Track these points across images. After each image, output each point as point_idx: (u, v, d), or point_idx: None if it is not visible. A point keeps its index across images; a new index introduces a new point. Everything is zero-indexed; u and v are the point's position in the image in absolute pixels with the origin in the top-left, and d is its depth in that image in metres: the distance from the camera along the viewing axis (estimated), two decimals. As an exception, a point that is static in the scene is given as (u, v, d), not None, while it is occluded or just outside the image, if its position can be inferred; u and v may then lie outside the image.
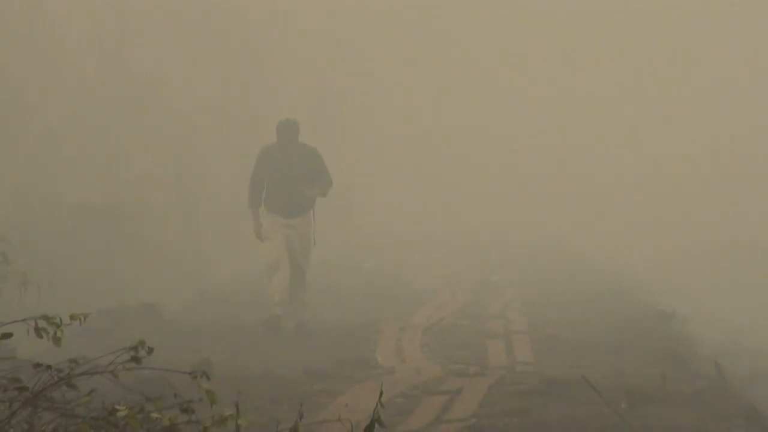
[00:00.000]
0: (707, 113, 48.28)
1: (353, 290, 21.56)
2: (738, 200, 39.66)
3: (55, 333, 5.30)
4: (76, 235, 19.79)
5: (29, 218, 19.64)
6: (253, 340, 15.26)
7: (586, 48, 52.51)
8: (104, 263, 19.54)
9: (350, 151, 35.20)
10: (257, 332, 15.67)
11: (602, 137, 48.78)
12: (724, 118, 47.69)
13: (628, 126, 49.08)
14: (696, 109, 48.99)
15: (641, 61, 51.15)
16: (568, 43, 52.78)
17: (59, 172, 22.31)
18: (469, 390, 11.25)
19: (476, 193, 43.51)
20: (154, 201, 23.67)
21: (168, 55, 27.28)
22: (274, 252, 15.70)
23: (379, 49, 43.03)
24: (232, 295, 19.92)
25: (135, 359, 5.40)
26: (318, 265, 22.68)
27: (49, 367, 5.34)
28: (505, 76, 50.64)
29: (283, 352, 14.52)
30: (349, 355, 14.07)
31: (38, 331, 5.34)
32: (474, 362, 13.83)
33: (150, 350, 5.46)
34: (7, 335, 5.34)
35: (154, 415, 5.34)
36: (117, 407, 5.31)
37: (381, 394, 5.94)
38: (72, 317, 5.49)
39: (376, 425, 5.39)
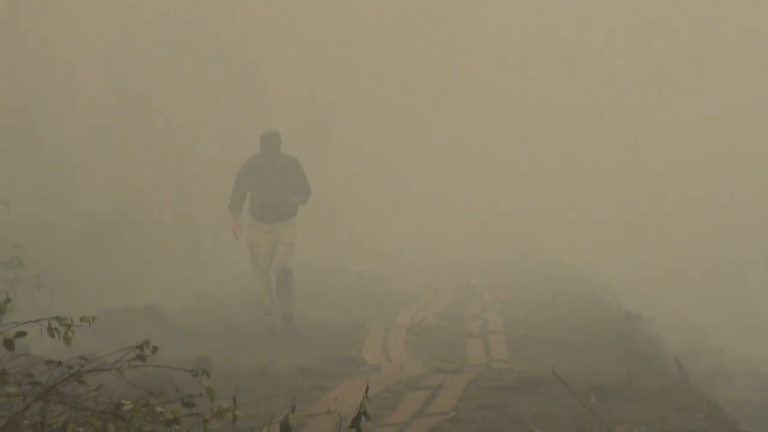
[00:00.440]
0: (673, 135, 48.21)
1: (343, 293, 21.53)
2: (702, 214, 39.71)
3: (66, 333, 5.33)
4: (85, 242, 19.82)
5: (42, 226, 19.67)
6: (249, 339, 15.27)
7: (567, 61, 52.27)
8: (110, 268, 19.56)
9: (341, 161, 35.16)
10: (253, 333, 15.66)
11: (580, 153, 48.59)
12: (690, 140, 47.64)
13: (606, 144, 48.90)
14: (663, 130, 48.90)
15: (619, 77, 50.94)
16: (551, 55, 52.48)
17: (69, 184, 22.38)
18: (449, 385, 11.27)
19: (460, 203, 43.43)
20: (156, 210, 23.68)
21: (169, 75, 27.29)
22: (258, 266, 15.62)
23: (370, 62, 42.91)
24: (228, 298, 19.89)
25: (140, 357, 5.43)
26: (310, 269, 22.73)
27: (60, 363, 5.36)
28: (490, 89, 50.27)
29: (276, 351, 14.53)
30: (338, 353, 14.09)
31: (50, 330, 5.36)
32: (454, 360, 13.86)
33: (155, 349, 5.48)
34: (22, 334, 5.37)
35: (158, 408, 5.36)
36: (123, 401, 5.34)
37: (368, 389, 5.96)
38: (82, 319, 5.52)
39: (363, 418, 5.42)
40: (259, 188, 15.43)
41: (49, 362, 5.39)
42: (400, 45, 46.16)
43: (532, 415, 9.66)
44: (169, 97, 26.32)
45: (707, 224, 38.42)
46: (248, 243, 15.66)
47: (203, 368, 5.65)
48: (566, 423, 9.35)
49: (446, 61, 49.55)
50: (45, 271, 14.41)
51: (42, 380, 5.31)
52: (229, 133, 27.92)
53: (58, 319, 5.34)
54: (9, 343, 5.34)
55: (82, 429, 5.18)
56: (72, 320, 5.38)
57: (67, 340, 5.29)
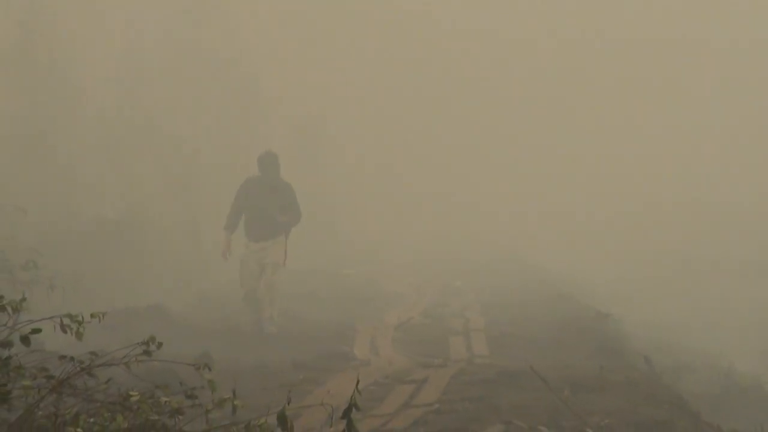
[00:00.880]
0: (651, 148, 48.15)
1: (334, 293, 21.54)
2: (687, 221, 39.76)
3: (77, 329, 5.33)
4: (95, 246, 19.82)
5: (55, 232, 19.69)
6: (247, 337, 15.27)
7: (565, 66, 52.05)
8: (118, 269, 19.56)
9: (336, 168, 35.19)
10: (251, 331, 15.65)
11: (575, 160, 48.44)
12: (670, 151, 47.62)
13: (601, 151, 48.72)
14: (659, 137, 48.77)
15: (617, 83, 50.74)
16: (538, 66, 52.30)
17: (80, 192, 22.40)
18: (433, 379, 11.28)
19: (451, 207, 43.40)
20: (160, 216, 23.69)
21: (172, 90, 27.33)
22: (247, 282, 15.54)
23: (366, 71, 42.92)
24: (228, 298, 19.88)
25: (146, 352, 5.44)
26: (304, 272, 22.74)
27: (72, 358, 5.37)
28: (489, 94, 50.09)
29: (273, 348, 14.53)
30: (330, 349, 14.08)
31: (63, 327, 5.37)
32: (438, 355, 13.88)
33: (159, 345, 5.49)
34: (37, 330, 5.37)
35: (163, 400, 5.38)
36: (130, 393, 5.35)
37: (358, 382, 5.97)
38: (92, 315, 5.53)
39: (354, 409, 5.43)
40: (253, 208, 15.32)
41: (61, 357, 5.39)
42: (398, 52, 46.12)
43: (510, 406, 9.67)
44: (172, 111, 26.35)
45: (690, 230, 38.47)
46: (240, 260, 15.56)
47: (205, 363, 5.66)
48: (542, 413, 9.36)
49: (445, 68, 49.40)
50: (58, 272, 14.46)
51: (55, 374, 5.31)
52: (228, 144, 27.95)
53: (70, 316, 5.35)
54: (25, 340, 5.35)
55: (92, 419, 5.19)
56: (83, 317, 5.38)
57: (79, 336, 5.29)
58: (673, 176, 44.67)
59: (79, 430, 4.99)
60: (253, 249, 15.38)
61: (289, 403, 5.60)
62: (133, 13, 26.40)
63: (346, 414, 5.41)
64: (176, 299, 18.70)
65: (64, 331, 5.36)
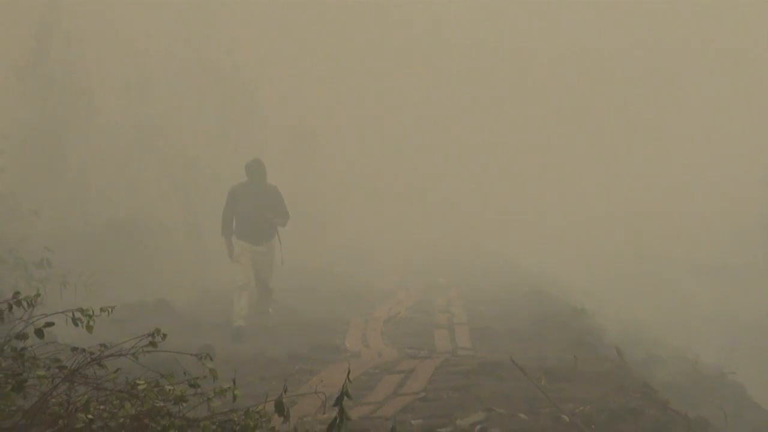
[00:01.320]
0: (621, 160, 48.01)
1: (327, 290, 21.52)
2: (650, 225, 39.76)
3: (88, 322, 5.32)
4: (104, 245, 19.83)
5: (67, 232, 19.71)
6: (246, 330, 15.23)
7: (540, 74, 51.73)
8: (126, 267, 19.54)
9: (326, 174, 35.18)
10: (250, 325, 15.60)
11: (544, 167, 48.24)
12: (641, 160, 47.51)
13: (585, 161, 48.52)
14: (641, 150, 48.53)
15: (594, 88, 50.40)
16: (524, 69, 51.89)
17: (90, 196, 22.43)
18: (420, 370, 11.28)
19: (430, 213, 43.31)
20: (167, 218, 23.69)
21: (176, 102, 27.36)
22: (242, 275, 15.37)
23: (350, 88, 42.92)
24: (228, 295, 19.86)
25: (152, 344, 5.43)
26: (299, 270, 22.72)
27: (83, 350, 5.36)
28: (462, 101, 49.93)
29: (270, 340, 14.52)
30: (323, 342, 14.09)
31: (75, 321, 5.36)
32: (424, 347, 13.89)
33: (164, 337, 5.49)
34: (50, 324, 5.37)
35: (168, 388, 5.37)
36: (138, 382, 5.34)
37: (349, 372, 5.98)
38: (102, 310, 5.52)
39: (345, 397, 5.43)
40: (244, 212, 15.23)
41: (73, 349, 5.39)
42: (386, 60, 46.06)
43: (491, 394, 9.68)
44: (176, 121, 26.38)
45: (665, 234, 38.47)
46: (234, 258, 15.48)
47: (207, 354, 5.65)
48: (521, 401, 9.37)
49: (432, 72, 49.21)
50: (70, 270, 14.46)
51: (67, 364, 5.31)
52: (227, 151, 27.95)
53: (81, 310, 5.34)
54: (39, 332, 5.34)
55: (102, 406, 5.19)
56: (93, 312, 5.38)
57: (89, 329, 5.28)
58: (656, 185, 44.49)
59: (89, 416, 4.98)
60: (248, 248, 15.30)
61: (285, 392, 5.61)
62: (141, 30, 26.43)
63: (339, 401, 5.41)
64: (180, 295, 18.67)
65: (76, 325, 5.35)
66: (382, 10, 47.56)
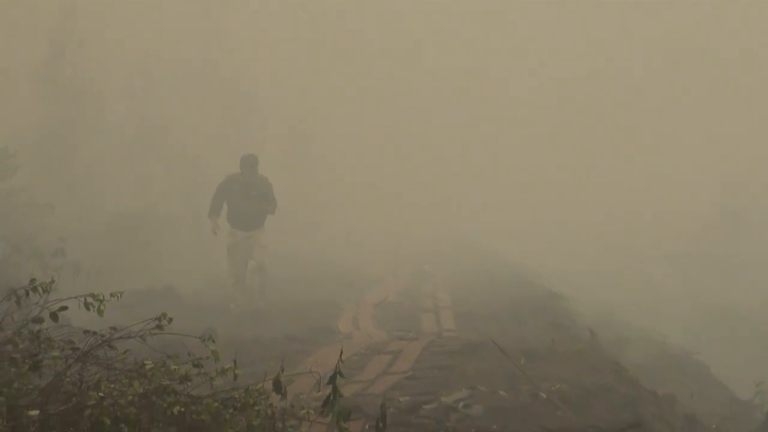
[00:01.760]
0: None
1: (321, 277, 21.52)
2: (625, 218, 39.77)
3: (99, 307, 5.33)
4: (114, 237, 19.87)
5: (80, 225, 19.69)
6: (246, 315, 15.25)
7: (531, 77, 51.36)
8: (134, 256, 19.57)
9: (322, 169, 35.10)
10: (239, 313, 15.58)
11: (528, 163, 47.93)
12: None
13: (555, 154, 48.26)
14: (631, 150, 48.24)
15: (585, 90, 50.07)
16: (517, 71, 51.51)
17: (100, 190, 22.41)
18: (407, 350, 11.30)
19: (416, 205, 43.17)
20: (170, 211, 23.69)
21: (180, 102, 27.31)
22: (235, 268, 15.40)
23: (344, 88, 42.77)
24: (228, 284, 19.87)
25: (159, 327, 5.43)
26: (294, 259, 22.71)
27: (94, 332, 5.37)
28: (454, 101, 49.60)
29: (268, 324, 14.53)
30: (318, 324, 14.09)
31: (87, 305, 5.37)
32: (411, 330, 13.92)
33: (170, 320, 5.49)
34: (64, 308, 5.38)
35: (174, 368, 5.38)
36: (145, 362, 5.35)
37: (342, 353, 6.01)
38: (112, 295, 5.53)
39: (338, 376, 5.45)
40: (237, 201, 15.21)
41: (86, 331, 5.39)
42: (382, 63, 45.84)
43: (474, 373, 9.70)
44: (179, 121, 26.32)
45: (642, 228, 38.50)
46: (228, 248, 15.45)
47: (209, 336, 5.66)
48: (501, 379, 9.39)
49: (426, 74, 48.87)
50: (82, 259, 14.49)
51: (80, 346, 5.31)
52: (228, 150, 27.91)
53: (92, 296, 5.35)
54: (54, 316, 5.36)
55: (112, 385, 5.19)
56: (104, 297, 5.39)
57: (100, 313, 5.29)
58: (642, 184, 44.30)
59: (100, 394, 4.99)
60: (240, 237, 15.30)
61: (282, 371, 5.62)
62: (146, 35, 26.36)
63: (332, 380, 5.42)
64: (185, 282, 18.66)
65: (88, 309, 5.35)
66: (383, 11, 47.43)
